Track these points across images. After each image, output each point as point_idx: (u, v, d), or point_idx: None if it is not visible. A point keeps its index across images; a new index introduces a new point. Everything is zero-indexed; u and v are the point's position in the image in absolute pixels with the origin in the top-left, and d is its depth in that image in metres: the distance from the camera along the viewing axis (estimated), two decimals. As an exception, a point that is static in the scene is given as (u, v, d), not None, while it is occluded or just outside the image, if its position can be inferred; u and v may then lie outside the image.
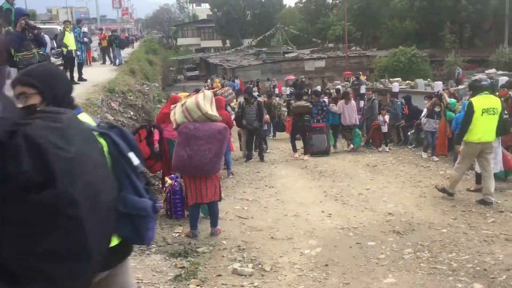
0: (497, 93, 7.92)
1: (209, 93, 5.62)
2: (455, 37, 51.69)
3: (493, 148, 6.78)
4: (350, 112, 12.11)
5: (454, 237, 5.25)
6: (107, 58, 21.16)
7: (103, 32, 22.56)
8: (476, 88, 6.81)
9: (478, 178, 7.22)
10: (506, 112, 7.25)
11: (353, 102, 12.59)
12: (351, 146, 12.29)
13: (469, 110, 6.56)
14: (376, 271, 4.43)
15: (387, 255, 4.83)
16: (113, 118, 9.86)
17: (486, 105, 6.51)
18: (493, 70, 30.99)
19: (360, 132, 12.69)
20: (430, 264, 4.53)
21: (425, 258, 4.70)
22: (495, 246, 4.92)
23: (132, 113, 11.43)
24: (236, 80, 34.45)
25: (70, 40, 12.90)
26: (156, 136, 7.32)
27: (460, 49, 43.05)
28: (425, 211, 6.38)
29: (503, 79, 10.87)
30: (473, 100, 6.64)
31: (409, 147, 12.09)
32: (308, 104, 11.74)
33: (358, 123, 12.48)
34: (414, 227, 5.71)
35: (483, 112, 6.48)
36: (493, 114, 6.53)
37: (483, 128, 6.50)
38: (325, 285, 4.20)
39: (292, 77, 36.15)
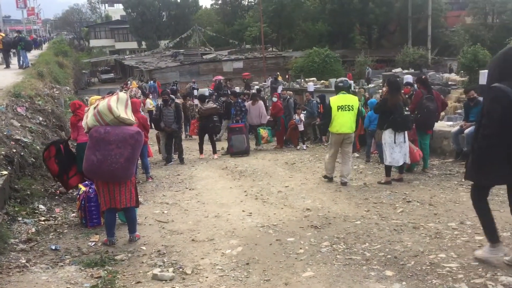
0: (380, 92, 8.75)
1: (123, 95, 5.40)
2: (364, 38, 54.54)
3: (352, 138, 7.99)
4: (256, 113, 12.77)
5: (367, 228, 5.52)
6: (11, 61, 19.87)
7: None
8: (336, 89, 8.14)
9: (388, 171, 7.67)
10: (407, 109, 7.73)
11: (260, 103, 13.08)
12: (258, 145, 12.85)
13: (328, 107, 7.94)
14: (296, 266, 4.54)
15: (305, 250, 4.96)
16: (20, 124, 9.27)
17: (341, 102, 7.72)
18: (399, 69, 33.06)
19: (262, 132, 13.17)
20: (345, 256, 4.72)
21: (341, 250, 4.89)
22: (404, 234, 5.23)
23: (41, 118, 10.80)
24: (150, 82, 33.70)
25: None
26: (53, 152, 7.24)
27: (369, 50, 45.48)
28: (341, 205, 6.64)
29: (407, 77, 11.63)
30: (331, 99, 7.96)
31: (325, 144, 12.52)
32: (216, 105, 12.33)
33: (265, 122, 13.01)
34: (331, 220, 5.92)
35: (338, 109, 7.68)
36: (349, 110, 7.68)
37: (340, 122, 7.69)
38: (246, 284, 4.23)
39: (220, 77, 36.23)
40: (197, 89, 30.99)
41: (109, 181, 5.19)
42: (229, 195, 7.72)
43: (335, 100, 7.81)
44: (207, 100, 12.49)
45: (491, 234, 4.19)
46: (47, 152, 7.28)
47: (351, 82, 28.36)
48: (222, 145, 13.03)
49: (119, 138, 5.00)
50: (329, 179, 8.10)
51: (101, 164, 4.99)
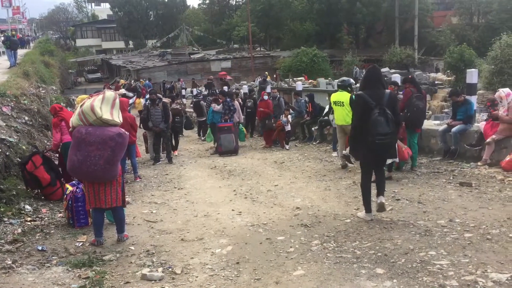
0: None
1: (110, 95, 5.25)
2: (352, 38, 54.82)
3: (349, 129, 8.13)
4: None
5: (357, 226, 5.51)
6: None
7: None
8: (338, 87, 9.43)
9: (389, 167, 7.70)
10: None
11: (236, 102, 13.53)
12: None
13: (329, 102, 9.48)
14: (286, 265, 4.51)
15: (296, 248, 4.94)
16: (5, 124, 9.13)
17: (336, 99, 8.94)
18: (386, 69, 33.22)
19: (244, 129, 13.69)
20: (336, 254, 4.71)
21: (331, 248, 4.88)
22: (394, 232, 5.23)
23: (27, 118, 10.67)
24: (146, 81, 33.59)
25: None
26: (39, 161, 7.14)
27: (356, 49, 45.72)
28: (330, 203, 6.63)
29: (395, 77, 11.67)
30: (332, 95, 9.30)
31: (314, 143, 12.53)
32: (178, 106, 13.37)
33: (242, 121, 13.64)
34: (321, 219, 5.91)
35: (334, 104, 8.92)
36: (340, 106, 8.77)
37: (336, 115, 8.98)
38: (237, 283, 4.20)
39: (224, 73, 36.40)
40: (185, 89, 30.98)
41: (88, 180, 5.14)
42: (218, 194, 7.68)
43: (332, 96, 9.10)
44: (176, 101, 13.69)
45: (367, 204, 5.78)
46: (30, 164, 7.10)
47: (271, 80, 28.89)
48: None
49: (99, 140, 4.92)
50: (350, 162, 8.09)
51: (81, 165, 4.94)
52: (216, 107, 12.87)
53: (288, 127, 12.44)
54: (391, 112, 5.37)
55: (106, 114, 4.98)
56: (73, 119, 5.09)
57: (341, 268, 4.34)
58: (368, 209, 5.78)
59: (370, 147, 5.41)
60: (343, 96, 8.76)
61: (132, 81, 35.44)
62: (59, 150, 7.67)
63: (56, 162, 8.04)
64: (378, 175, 5.84)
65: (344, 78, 10.12)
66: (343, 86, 9.06)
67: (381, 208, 5.64)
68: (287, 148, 12.17)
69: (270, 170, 9.46)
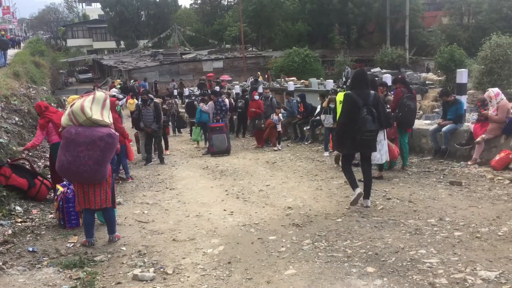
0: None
1: (100, 95, 5.21)
2: (343, 38, 55.00)
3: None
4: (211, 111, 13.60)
5: (348, 226, 5.54)
6: None
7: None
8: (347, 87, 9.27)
9: (380, 166, 7.75)
10: (388, 106, 7.84)
11: (211, 103, 13.80)
12: None
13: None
14: (278, 264, 4.53)
15: (287, 248, 4.95)
16: (-5, 124, 9.07)
17: (339, 98, 8.88)
18: (377, 69, 33.40)
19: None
20: (327, 253, 4.73)
21: (322, 247, 4.90)
22: (385, 231, 5.26)
23: (17, 118, 10.61)
24: (142, 82, 33.55)
25: None
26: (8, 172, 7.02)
27: (348, 50, 45.88)
28: (322, 203, 6.66)
29: (385, 77, 11.70)
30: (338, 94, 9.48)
31: (306, 143, 12.57)
32: (165, 106, 13.93)
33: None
34: (312, 219, 5.93)
35: (339, 103, 8.73)
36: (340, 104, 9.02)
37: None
38: (228, 282, 4.21)
39: (226, 77, 36.33)
40: (177, 89, 30.91)
41: (78, 181, 5.12)
42: (210, 194, 7.68)
43: (339, 96, 9.31)
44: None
45: (353, 183, 6.18)
46: (1, 178, 6.94)
47: (262, 81, 29.08)
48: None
49: (88, 140, 4.89)
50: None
51: (70, 165, 4.91)
52: (204, 107, 13.13)
53: (279, 126, 12.44)
54: (376, 111, 5.90)
55: (96, 115, 4.96)
56: (63, 119, 5.06)
57: (332, 267, 4.36)
58: (354, 186, 6.15)
59: (356, 142, 5.91)
60: (339, 96, 8.78)
61: (132, 81, 35.28)
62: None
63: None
64: (366, 174, 6.28)
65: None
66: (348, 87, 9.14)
67: (356, 200, 6.10)
68: (279, 148, 12.14)
69: (262, 170, 9.47)
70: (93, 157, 4.90)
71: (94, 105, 4.99)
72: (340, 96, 9.25)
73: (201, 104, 13.75)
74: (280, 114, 12.76)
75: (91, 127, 4.97)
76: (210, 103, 13.50)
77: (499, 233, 4.85)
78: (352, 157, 6.44)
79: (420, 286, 3.86)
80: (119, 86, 29.04)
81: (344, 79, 27.98)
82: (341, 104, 8.98)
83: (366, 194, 6.17)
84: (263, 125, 12.92)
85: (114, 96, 10.21)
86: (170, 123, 15.97)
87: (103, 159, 4.99)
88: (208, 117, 13.32)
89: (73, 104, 5.04)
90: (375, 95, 6.11)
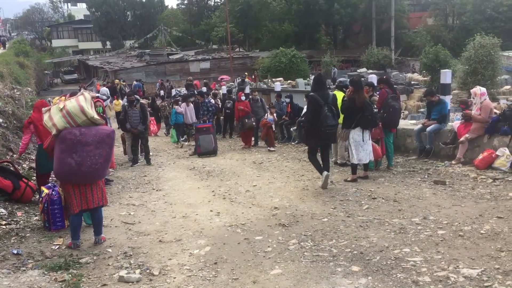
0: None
1: (88, 95, 5.24)
2: (330, 39, 55.24)
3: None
4: (190, 113, 14.29)
5: (334, 225, 5.58)
6: None
7: None
8: (336, 87, 9.71)
9: (354, 169, 7.79)
10: (375, 106, 7.93)
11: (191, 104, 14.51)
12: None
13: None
14: (264, 264, 4.55)
15: (273, 248, 4.98)
16: (-22, 126, 8.96)
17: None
18: (364, 69, 33.62)
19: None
20: (313, 252, 4.77)
21: (308, 247, 4.93)
22: (370, 230, 5.32)
23: (1, 120, 10.47)
24: (135, 82, 33.40)
25: None
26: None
27: (334, 50, 46.10)
28: (308, 203, 6.70)
29: (372, 77, 11.80)
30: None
31: (293, 143, 12.61)
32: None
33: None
34: (298, 218, 5.96)
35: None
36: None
37: None
38: (214, 283, 4.22)
39: (226, 77, 36.22)
40: (163, 90, 30.75)
41: (86, 182, 5.10)
42: (197, 195, 7.68)
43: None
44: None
45: (319, 168, 7.35)
46: None
47: (250, 81, 29.18)
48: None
49: (97, 139, 4.94)
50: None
51: (80, 166, 4.88)
52: (179, 109, 13.81)
53: (273, 126, 12.45)
54: (335, 108, 7.15)
55: (95, 114, 5.04)
56: (57, 122, 4.93)
57: (317, 267, 4.40)
58: (321, 171, 7.31)
59: (320, 135, 7.12)
60: (339, 96, 8.56)
61: (121, 80, 34.99)
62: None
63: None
64: (324, 156, 7.46)
65: (342, 79, 10.84)
66: (340, 87, 9.13)
67: (326, 182, 7.21)
68: (274, 149, 12.03)
69: (249, 170, 9.49)
70: (103, 155, 4.99)
71: (88, 105, 5.01)
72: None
73: (176, 106, 14.52)
74: (274, 114, 12.81)
75: (92, 127, 5.01)
76: (183, 104, 14.23)
77: (482, 231, 4.94)
78: (316, 149, 7.56)
79: (404, 284, 3.91)
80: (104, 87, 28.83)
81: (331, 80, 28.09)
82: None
83: (326, 168, 7.36)
84: (254, 123, 12.87)
85: (97, 97, 10.11)
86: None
87: (110, 156, 5.16)
88: (182, 118, 14.11)
89: (64, 105, 4.96)
90: (333, 95, 7.42)
